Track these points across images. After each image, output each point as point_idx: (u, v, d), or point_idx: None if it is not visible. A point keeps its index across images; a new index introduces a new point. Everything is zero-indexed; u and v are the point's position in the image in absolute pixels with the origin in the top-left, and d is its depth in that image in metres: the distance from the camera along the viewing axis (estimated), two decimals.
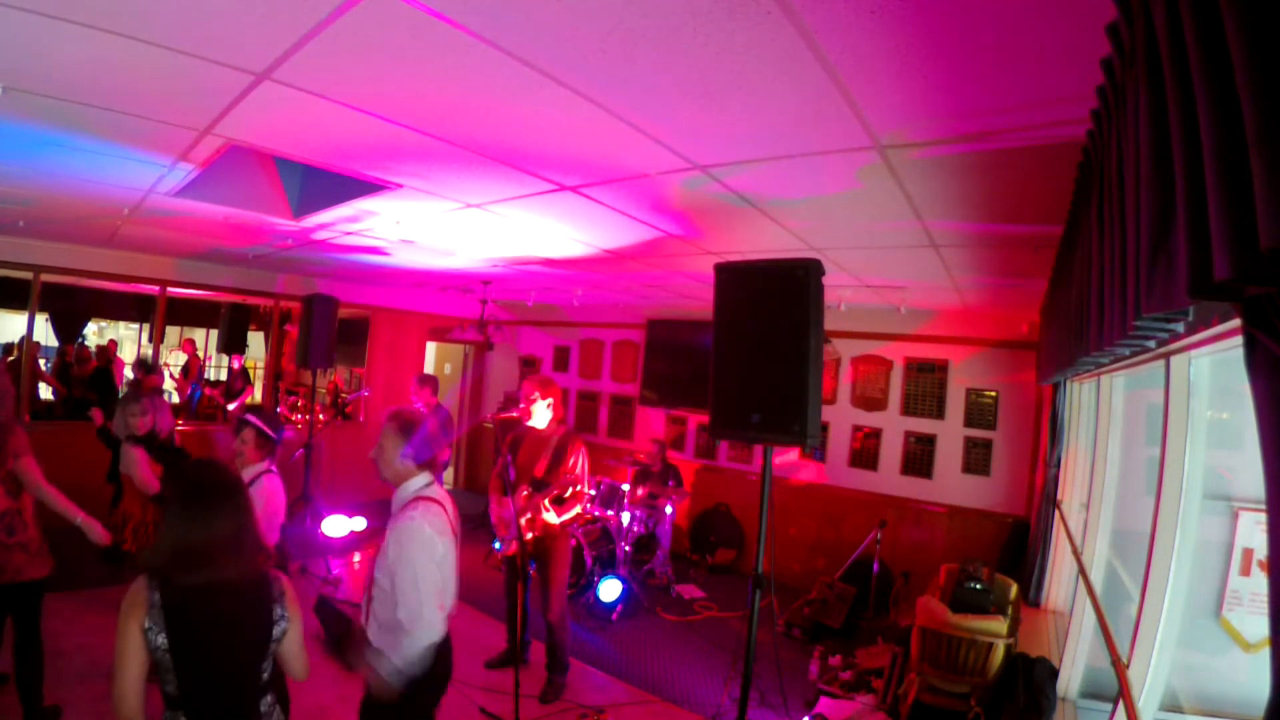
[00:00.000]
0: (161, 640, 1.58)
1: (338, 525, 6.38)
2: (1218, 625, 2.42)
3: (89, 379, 7.59)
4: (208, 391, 8.58)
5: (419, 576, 2.10)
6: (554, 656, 4.06)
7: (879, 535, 5.60)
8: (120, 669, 1.56)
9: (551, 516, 3.87)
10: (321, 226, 4.29)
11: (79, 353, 8.07)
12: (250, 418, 3.10)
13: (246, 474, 3.07)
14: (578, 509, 3.98)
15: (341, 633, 2.20)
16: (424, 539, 2.14)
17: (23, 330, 6.43)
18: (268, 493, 3.02)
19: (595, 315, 8.43)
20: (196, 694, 1.64)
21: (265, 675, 1.73)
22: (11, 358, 7.16)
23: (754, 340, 2.48)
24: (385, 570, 2.17)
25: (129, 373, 7.51)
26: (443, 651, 2.33)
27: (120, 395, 6.91)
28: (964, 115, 1.83)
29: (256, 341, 9.94)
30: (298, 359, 6.01)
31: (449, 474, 9.67)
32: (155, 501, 3.66)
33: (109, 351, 8.30)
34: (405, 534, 2.14)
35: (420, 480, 2.31)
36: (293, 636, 1.78)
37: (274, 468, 3.14)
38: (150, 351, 6.98)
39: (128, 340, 10.84)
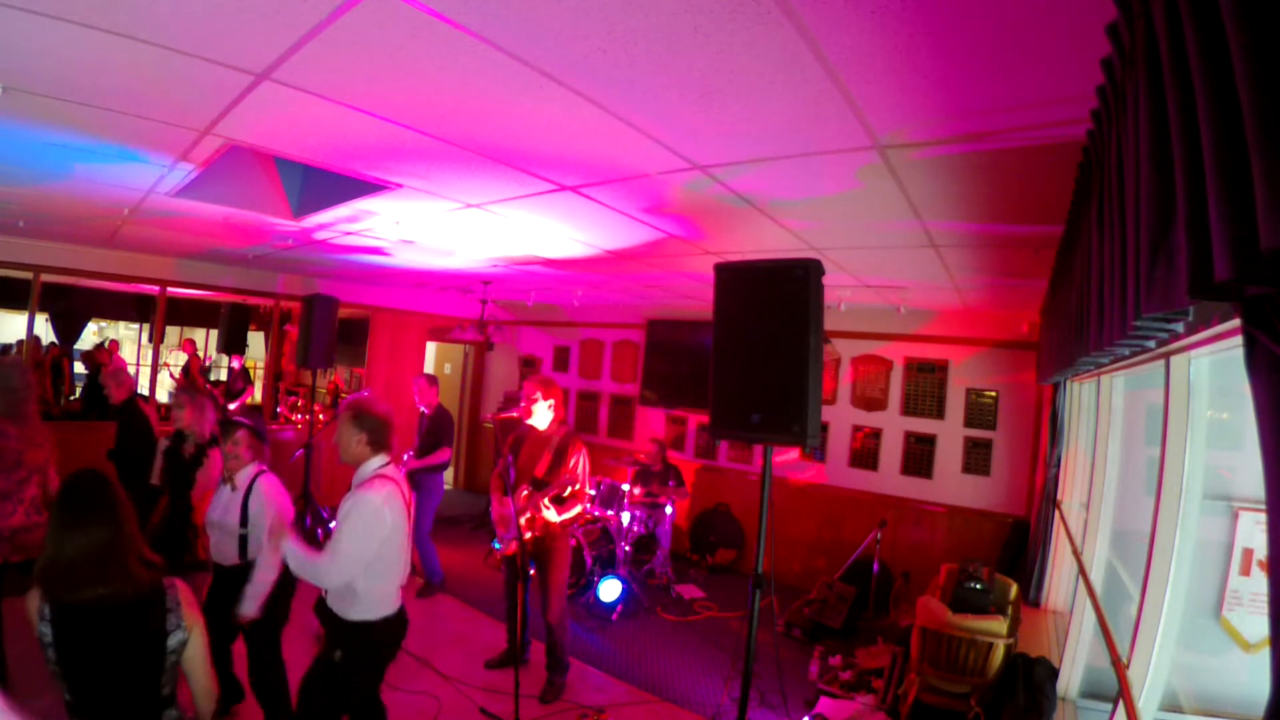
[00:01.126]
0: (51, 653, 1.56)
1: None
2: (1218, 625, 2.42)
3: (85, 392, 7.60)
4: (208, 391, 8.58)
5: (349, 539, 2.40)
6: (554, 656, 4.06)
7: (879, 535, 5.60)
8: None
9: (552, 515, 3.87)
10: (321, 226, 4.29)
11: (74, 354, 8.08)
12: (240, 419, 3.15)
13: (242, 476, 3.08)
14: (579, 509, 3.98)
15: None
16: (373, 509, 2.44)
17: (23, 330, 6.44)
18: (271, 492, 3.05)
19: (595, 315, 8.43)
20: (89, 706, 1.60)
21: (166, 690, 1.66)
22: (37, 359, 7.18)
23: (754, 340, 2.48)
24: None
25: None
26: (393, 628, 2.60)
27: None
28: (964, 115, 1.83)
29: (256, 341, 9.95)
30: (298, 359, 6.02)
31: (449, 474, 9.67)
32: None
33: (107, 353, 8.27)
34: (359, 502, 2.44)
35: (377, 461, 2.58)
36: (194, 646, 1.71)
37: (265, 466, 3.18)
38: (150, 351, 6.98)
39: (128, 340, 10.84)
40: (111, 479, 1.75)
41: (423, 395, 5.61)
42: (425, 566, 5.48)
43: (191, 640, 1.70)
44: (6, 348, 7.48)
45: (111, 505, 1.68)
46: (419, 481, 5.46)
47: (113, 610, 1.59)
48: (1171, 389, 2.00)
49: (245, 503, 3.03)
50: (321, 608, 2.56)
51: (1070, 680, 3.02)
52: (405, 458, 5.51)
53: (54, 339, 8.35)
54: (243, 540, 3.03)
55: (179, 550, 3.55)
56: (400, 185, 3.09)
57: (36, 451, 3.30)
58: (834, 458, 6.60)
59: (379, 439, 2.59)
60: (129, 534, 1.67)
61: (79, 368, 8.49)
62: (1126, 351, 1.57)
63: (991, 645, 3.24)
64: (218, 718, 1.82)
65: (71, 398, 8.15)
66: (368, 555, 2.42)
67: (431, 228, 4.09)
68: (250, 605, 2.88)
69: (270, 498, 3.03)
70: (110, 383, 4.55)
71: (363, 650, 2.53)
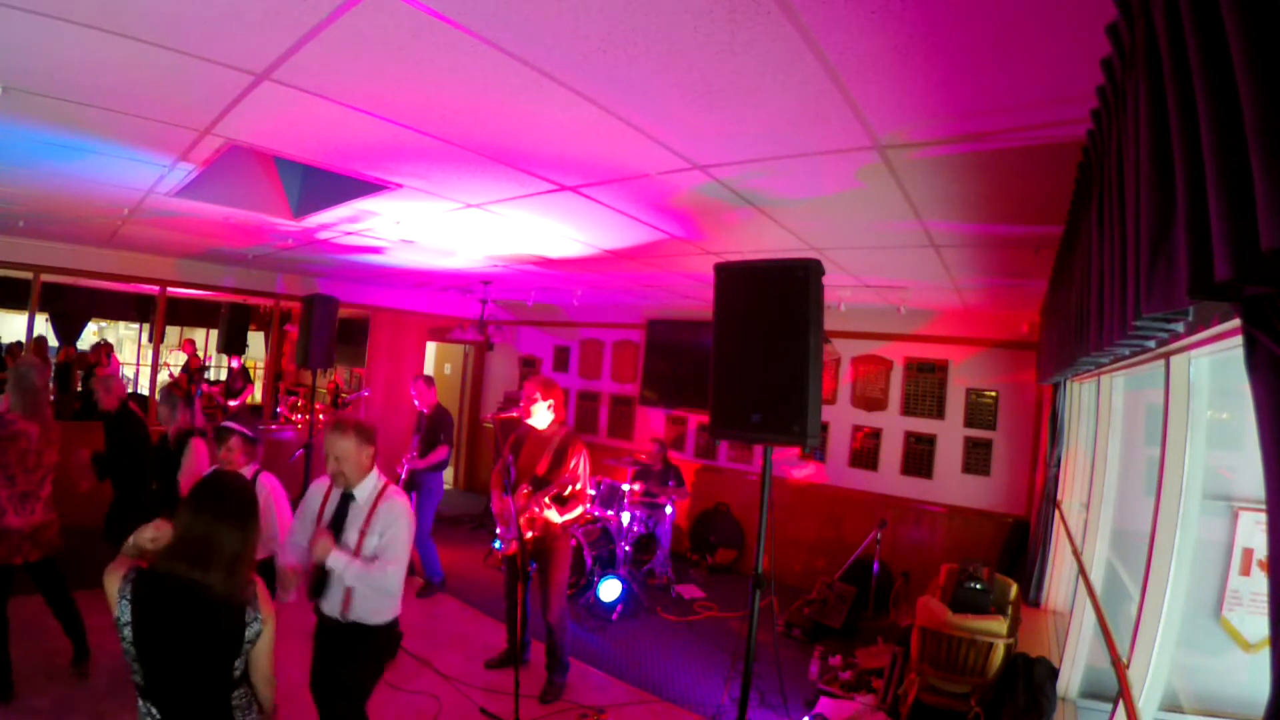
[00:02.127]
0: (128, 632, 1.62)
1: None
2: (1218, 625, 2.42)
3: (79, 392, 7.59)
4: (207, 389, 8.59)
5: (404, 544, 2.57)
6: (554, 656, 4.06)
7: (879, 535, 5.60)
8: None
9: (554, 515, 3.87)
10: (321, 226, 4.29)
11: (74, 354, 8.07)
12: (231, 425, 3.17)
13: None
14: (580, 510, 3.98)
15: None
16: (409, 512, 2.61)
17: (23, 330, 6.44)
18: (272, 491, 3.09)
19: (595, 315, 8.43)
20: (162, 686, 1.67)
21: (238, 672, 1.74)
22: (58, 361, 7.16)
23: (754, 340, 2.48)
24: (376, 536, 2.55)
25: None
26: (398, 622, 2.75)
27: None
28: (964, 115, 1.83)
29: (256, 341, 9.95)
30: (298, 359, 6.01)
31: (449, 473, 9.67)
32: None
33: (104, 354, 8.25)
34: (398, 508, 2.57)
35: (374, 472, 2.65)
36: (265, 638, 1.78)
37: (259, 465, 3.24)
38: (150, 351, 6.98)
39: (128, 340, 10.85)
40: (249, 491, 1.88)
41: (422, 396, 5.62)
42: (425, 566, 5.48)
43: (265, 631, 1.77)
44: (16, 346, 7.45)
45: (252, 514, 1.81)
46: (419, 481, 5.46)
47: (206, 601, 1.67)
48: (1171, 389, 2.00)
49: None
50: (330, 620, 2.60)
51: (1070, 680, 3.02)
52: (407, 459, 5.51)
53: (62, 342, 8.35)
54: None
55: None
56: (400, 185, 3.09)
57: (52, 450, 3.40)
58: (834, 458, 6.60)
59: (376, 449, 2.66)
60: (254, 545, 1.79)
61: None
62: (1126, 351, 1.57)
63: (991, 645, 3.24)
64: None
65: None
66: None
67: (431, 228, 4.09)
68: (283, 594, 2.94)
69: (272, 495, 3.06)
70: (99, 389, 4.46)
71: (390, 647, 2.75)
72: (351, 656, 2.60)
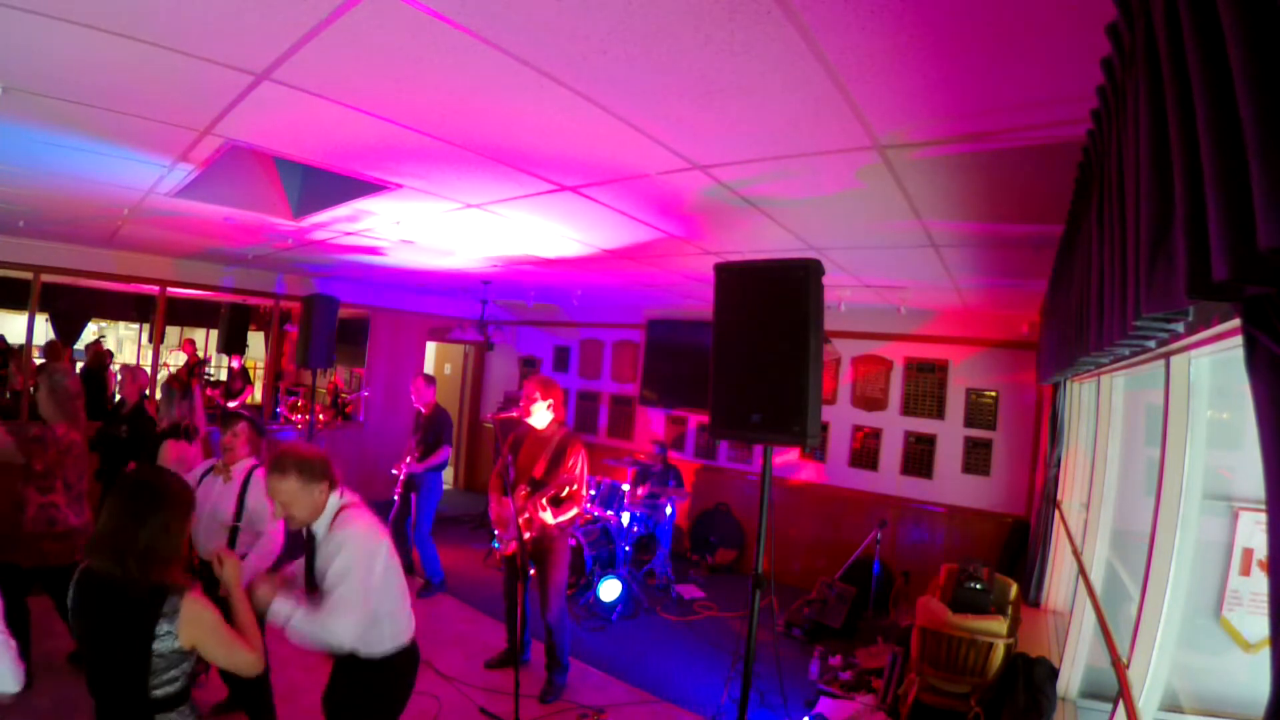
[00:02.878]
0: (72, 612, 1.72)
1: None
2: (1218, 625, 2.42)
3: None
4: (208, 392, 8.59)
5: (350, 585, 2.10)
6: (553, 656, 4.06)
7: (879, 535, 5.60)
8: None
9: (548, 516, 3.87)
10: (321, 226, 4.29)
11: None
12: (242, 412, 3.20)
13: (238, 468, 3.10)
14: (575, 510, 3.98)
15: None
16: (363, 540, 2.18)
17: (23, 330, 6.43)
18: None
19: (595, 315, 8.43)
20: (90, 680, 1.72)
21: (158, 691, 1.69)
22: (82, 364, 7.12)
23: (754, 340, 2.48)
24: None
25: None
26: (413, 653, 2.43)
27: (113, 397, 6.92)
28: (964, 115, 1.83)
29: (256, 341, 9.95)
30: (298, 359, 6.02)
31: (449, 473, 9.67)
32: None
33: (99, 352, 8.24)
34: (347, 543, 2.14)
35: (336, 497, 2.25)
36: (195, 634, 1.72)
37: (258, 461, 3.23)
38: (150, 351, 6.98)
39: (128, 340, 10.85)
40: (171, 486, 1.85)
41: (420, 395, 5.62)
42: (425, 566, 5.48)
43: (188, 630, 1.72)
44: (19, 349, 7.43)
45: (160, 505, 1.77)
46: (418, 481, 5.46)
47: (117, 593, 1.68)
48: (1171, 389, 2.00)
49: (242, 496, 3.03)
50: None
51: (1070, 680, 3.02)
52: (406, 461, 5.51)
53: (62, 342, 8.34)
54: (233, 533, 3.02)
55: None
56: (400, 185, 3.09)
57: (85, 452, 3.51)
58: (834, 458, 6.60)
59: (331, 477, 2.24)
60: (164, 540, 1.74)
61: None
62: (1126, 351, 1.57)
63: (991, 645, 3.24)
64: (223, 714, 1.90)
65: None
66: (375, 589, 2.15)
67: (431, 228, 4.09)
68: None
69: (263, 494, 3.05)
70: (126, 377, 4.57)
71: (397, 684, 2.32)
72: (350, 697, 2.28)
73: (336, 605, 2.04)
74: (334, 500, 2.25)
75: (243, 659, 1.81)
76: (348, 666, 2.27)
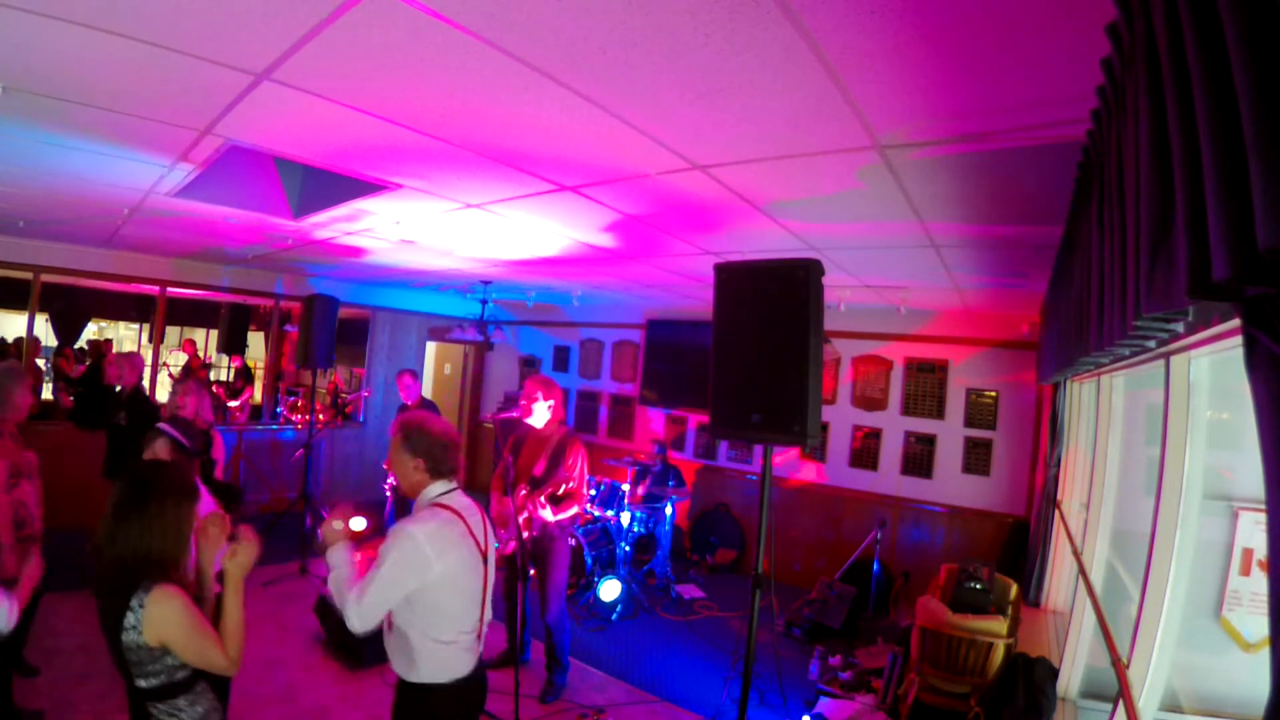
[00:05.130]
0: None
1: None
2: (1218, 625, 2.42)
3: (81, 379, 7.57)
4: (218, 389, 8.61)
5: (378, 578, 1.95)
6: (553, 656, 4.06)
7: (879, 535, 5.60)
8: None
9: (547, 514, 3.87)
10: (321, 227, 4.29)
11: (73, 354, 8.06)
12: (163, 427, 2.97)
13: None
14: (575, 509, 3.98)
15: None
16: (410, 546, 1.98)
17: (23, 330, 6.44)
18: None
19: (595, 315, 8.44)
20: None
21: (142, 683, 1.67)
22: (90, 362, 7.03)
23: (754, 340, 2.48)
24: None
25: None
26: (464, 693, 2.14)
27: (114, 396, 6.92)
28: (964, 115, 1.83)
29: (256, 341, 9.95)
30: (298, 359, 6.02)
31: None
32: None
33: (101, 349, 8.25)
34: (395, 536, 2.01)
35: (437, 488, 2.14)
36: (160, 631, 1.64)
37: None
38: (150, 351, 6.98)
39: (128, 340, 10.85)
40: (162, 484, 1.81)
41: (408, 391, 5.76)
42: None
43: (151, 629, 1.63)
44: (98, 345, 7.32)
45: (138, 501, 1.75)
46: None
47: (105, 582, 1.70)
48: (1171, 389, 2.00)
49: None
50: (321, 607, 2.44)
51: (1070, 680, 3.02)
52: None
53: (61, 341, 8.34)
54: None
55: None
56: (400, 185, 3.09)
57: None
58: (834, 458, 6.60)
59: (438, 463, 2.13)
60: (136, 534, 1.71)
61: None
62: (1126, 351, 1.57)
63: (991, 645, 3.23)
64: None
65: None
66: (396, 599, 1.99)
67: (431, 228, 4.09)
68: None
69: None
70: (125, 364, 4.56)
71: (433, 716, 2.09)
72: (393, 714, 2.14)
73: (361, 583, 1.96)
74: (436, 489, 2.13)
75: (216, 661, 1.72)
76: (400, 684, 2.14)
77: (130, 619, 1.63)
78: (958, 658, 3.28)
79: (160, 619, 1.64)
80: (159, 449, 2.91)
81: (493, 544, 2.31)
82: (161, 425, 3.01)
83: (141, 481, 1.78)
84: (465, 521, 2.12)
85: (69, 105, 2.28)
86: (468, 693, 2.14)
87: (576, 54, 1.65)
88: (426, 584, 1.99)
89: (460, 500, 2.17)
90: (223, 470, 3.92)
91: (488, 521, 2.29)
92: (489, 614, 2.28)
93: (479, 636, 2.21)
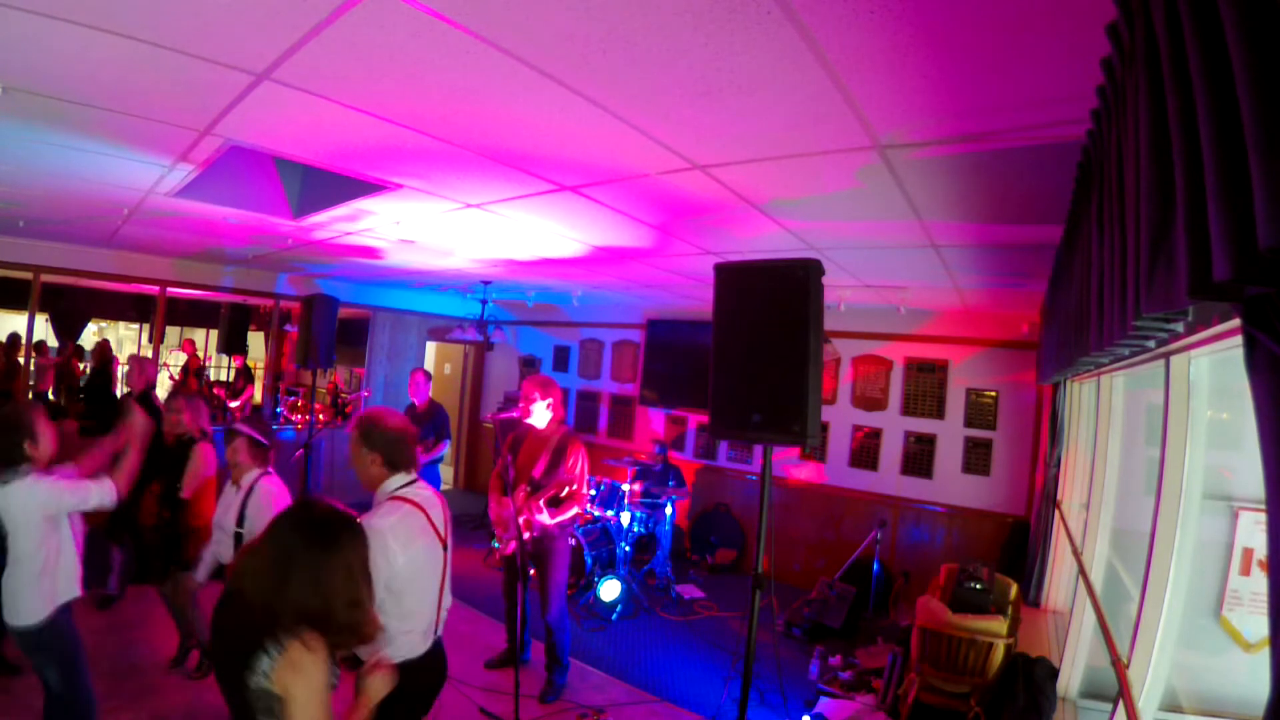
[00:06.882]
0: None
1: None
2: (1218, 625, 2.42)
3: (85, 381, 7.57)
4: (218, 391, 8.61)
5: None
6: (553, 656, 4.06)
7: (879, 535, 5.60)
8: None
9: (546, 518, 3.87)
10: (321, 227, 4.29)
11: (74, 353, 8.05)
12: (240, 427, 3.14)
13: (247, 478, 3.11)
14: (575, 510, 3.98)
15: None
16: (378, 540, 1.92)
17: (23, 330, 6.43)
18: (269, 494, 3.09)
19: (595, 315, 8.43)
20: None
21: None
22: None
23: (754, 340, 2.48)
24: None
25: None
26: (432, 659, 2.22)
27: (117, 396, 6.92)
28: (964, 115, 1.83)
29: (256, 341, 9.95)
30: (298, 359, 6.01)
31: (448, 473, 9.66)
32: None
33: (105, 350, 8.23)
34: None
35: (395, 481, 2.18)
36: (289, 698, 1.42)
37: (270, 469, 3.22)
38: (150, 351, 6.98)
39: (128, 340, 10.85)
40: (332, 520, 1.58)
41: (419, 390, 5.69)
42: None
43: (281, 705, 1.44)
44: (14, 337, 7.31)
45: (289, 551, 1.51)
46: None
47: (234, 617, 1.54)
48: (1171, 389, 2.00)
49: (245, 503, 3.07)
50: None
51: (1070, 680, 3.02)
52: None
53: (62, 340, 8.34)
54: (237, 539, 3.05)
55: (175, 548, 3.65)
56: (400, 185, 3.09)
57: None
58: (834, 458, 6.60)
59: (395, 457, 2.19)
60: (286, 583, 1.47)
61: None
62: (1126, 351, 1.57)
63: (991, 645, 3.24)
64: None
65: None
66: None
67: (431, 228, 4.09)
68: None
69: (268, 499, 3.05)
70: (133, 367, 4.56)
71: (405, 697, 1.99)
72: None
73: None
74: (395, 482, 2.16)
75: None
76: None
77: (264, 660, 1.41)
78: (958, 658, 3.28)
79: (296, 666, 1.42)
80: (239, 449, 3.00)
81: (450, 534, 2.35)
82: (238, 425, 3.11)
83: (326, 523, 1.52)
84: (426, 513, 2.18)
85: (69, 105, 2.28)
86: (423, 671, 2.17)
87: (576, 54, 1.65)
88: (391, 575, 2.02)
89: (420, 492, 2.21)
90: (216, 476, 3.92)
91: (448, 511, 2.33)
92: (448, 600, 2.35)
93: (438, 623, 2.27)
